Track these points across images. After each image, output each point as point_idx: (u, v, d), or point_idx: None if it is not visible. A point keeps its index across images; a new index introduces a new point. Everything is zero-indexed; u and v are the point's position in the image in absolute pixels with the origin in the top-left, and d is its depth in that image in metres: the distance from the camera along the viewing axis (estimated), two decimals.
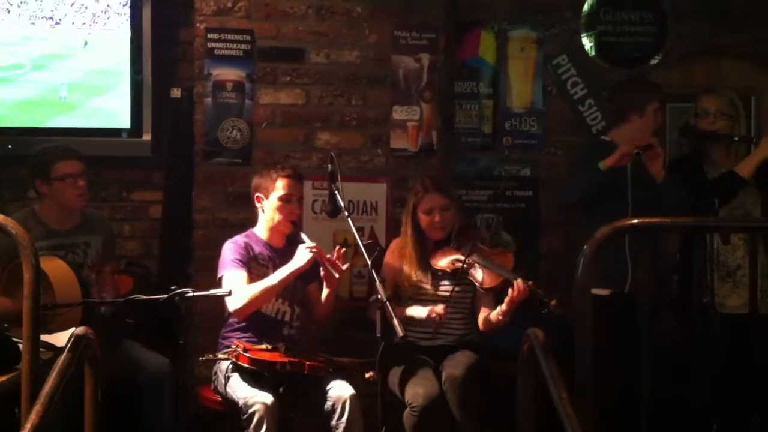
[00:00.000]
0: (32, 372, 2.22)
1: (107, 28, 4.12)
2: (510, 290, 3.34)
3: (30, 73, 4.16)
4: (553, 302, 3.22)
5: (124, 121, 4.05)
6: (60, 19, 4.15)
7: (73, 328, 2.80)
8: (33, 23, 4.13)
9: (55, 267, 3.14)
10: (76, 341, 2.31)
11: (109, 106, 4.08)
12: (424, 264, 3.56)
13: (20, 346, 2.64)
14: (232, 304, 3.32)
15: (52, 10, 4.13)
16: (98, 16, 4.14)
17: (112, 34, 4.11)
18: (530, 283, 3.33)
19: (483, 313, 3.54)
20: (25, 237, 2.22)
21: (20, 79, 4.17)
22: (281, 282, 3.35)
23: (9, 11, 4.11)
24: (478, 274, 3.47)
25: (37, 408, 2.06)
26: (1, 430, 2.75)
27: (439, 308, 3.40)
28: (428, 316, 3.40)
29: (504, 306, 3.38)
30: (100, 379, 2.52)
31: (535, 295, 3.31)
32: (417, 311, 3.46)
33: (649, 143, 3.54)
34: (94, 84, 4.15)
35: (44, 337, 2.66)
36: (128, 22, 4.08)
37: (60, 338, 2.93)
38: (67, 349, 2.27)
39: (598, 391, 2.35)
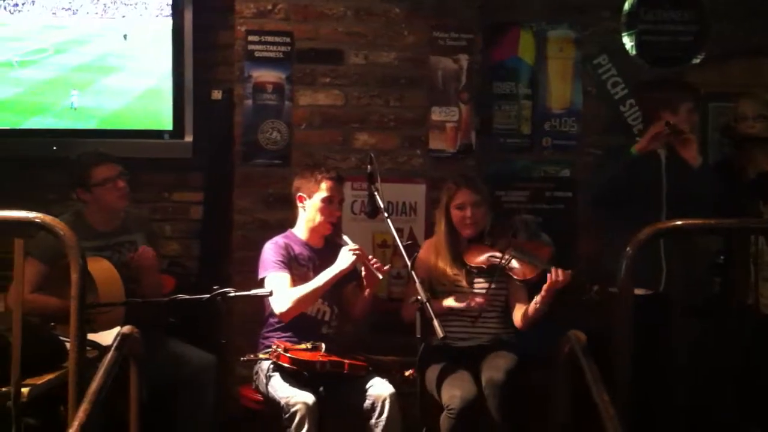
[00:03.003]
0: (79, 370, 2.26)
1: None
2: (549, 276, 3.34)
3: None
4: (595, 288, 3.21)
5: (166, 122, 4.09)
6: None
7: (118, 327, 2.86)
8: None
9: (100, 267, 3.20)
10: (122, 340, 2.35)
11: (151, 108, 4.12)
12: (458, 261, 3.57)
13: (66, 344, 2.71)
14: (278, 306, 3.35)
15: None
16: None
17: (154, 37, 4.16)
18: (569, 271, 3.32)
19: (519, 310, 3.54)
20: (72, 239, 2.26)
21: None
22: (326, 284, 3.37)
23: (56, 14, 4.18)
24: (516, 266, 3.48)
25: (85, 406, 2.10)
26: (47, 426, 2.80)
27: (479, 298, 3.43)
28: (467, 304, 3.43)
29: (542, 293, 3.37)
30: (145, 377, 2.57)
31: (575, 282, 3.30)
32: (454, 302, 3.48)
33: (679, 129, 3.53)
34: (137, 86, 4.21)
35: (89, 336, 2.70)
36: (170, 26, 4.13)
37: (104, 337, 2.98)
38: (113, 348, 2.32)
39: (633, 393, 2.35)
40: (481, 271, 3.56)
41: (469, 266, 3.56)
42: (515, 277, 3.50)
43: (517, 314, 3.56)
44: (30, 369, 2.46)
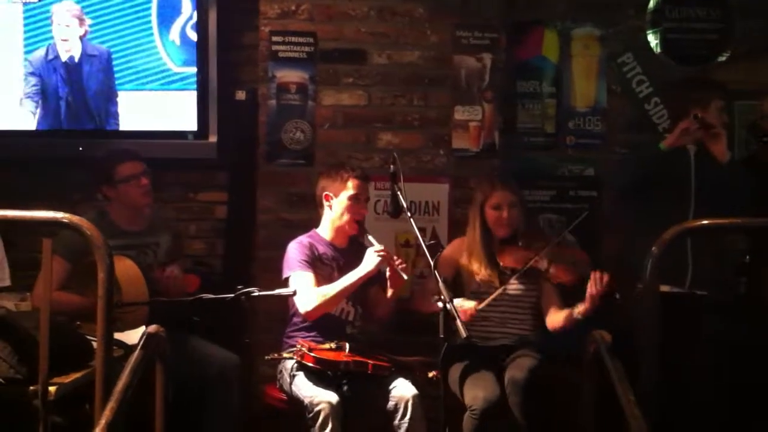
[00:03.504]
0: (106, 369, 2.28)
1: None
2: (591, 283, 3.31)
3: None
4: (635, 294, 3.18)
5: (190, 123, 4.12)
6: None
7: (143, 327, 2.88)
8: None
9: (124, 266, 3.22)
10: (148, 339, 2.37)
11: (176, 108, 4.14)
12: (492, 262, 3.55)
13: (93, 343, 2.73)
14: (304, 306, 3.36)
15: None
16: None
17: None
18: (608, 275, 3.31)
19: (553, 314, 3.52)
20: (99, 238, 2.28)
21: None
22: (352, 285, 3.38)
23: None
24: (552, 269, 3.46)
25: (111, 404, 2.12)
26: (72, 425, 2.82)
27: (469, 305, 3.37)
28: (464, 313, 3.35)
29: (586, 303, 3.33)
30: (170, 377, 2.58)
31: (613, 290, 3.29)
32: (466, 304, 3.42)
33: (708, 122, 3.50)
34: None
35: (114, 335, 2.72)
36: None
37: (129, 336, 3.00)
38: (139, 347, 2.33)
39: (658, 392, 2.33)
40: (515, 272, 3.54)
41: (503, 267, 3.55)
42: (552, 280, 3.48)
43: (552, 318, 3.53)
44: (57, 368, 2.48)
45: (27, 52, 4.17)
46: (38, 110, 4.17)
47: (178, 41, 4.11)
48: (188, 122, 4.11)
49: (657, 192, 3.53)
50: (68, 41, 4.14)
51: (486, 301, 3.44)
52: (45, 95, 4.16)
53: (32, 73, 4.16)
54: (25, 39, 4.18)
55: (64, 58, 4.15)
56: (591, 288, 3.31)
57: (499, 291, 3.46)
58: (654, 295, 2.36)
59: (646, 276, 2.32)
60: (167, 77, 4.13)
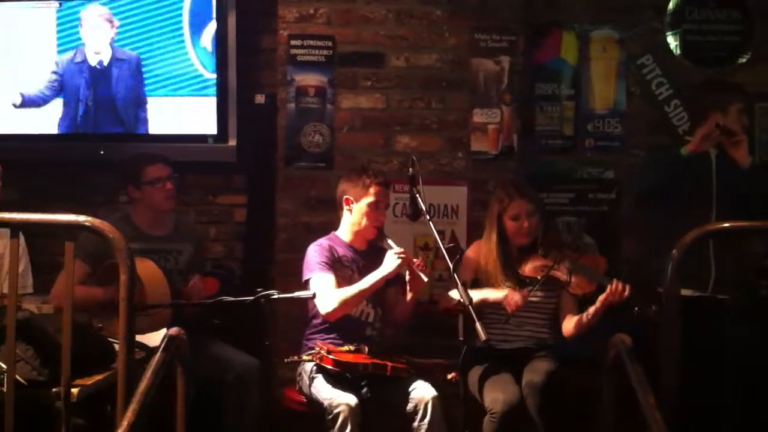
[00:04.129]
0: (128, 371, 2.30)
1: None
2: (609, 287, 3.32)
3: None
4: (653, 309, 3.16)
5: (210, 127, 4.14)
6: None
7: (164, 329, 2.90)
8: None
9: (147, 268, 3.24)
10: (170, 341, 2.39)
11: (196, 112, 4.17)
12: (510, 271, 3.55)
13: (114, 345, 2.75)
14: (324, 307, 3.36)
15: None
16: None
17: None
18: (628, 287, 3.30)
19: (569, 320, 3.52)
20: (121, 240, 2.30)
21: None
22: (372, 287, 3.39)
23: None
24: (571, 279, 3.45)
25: (134, 406, 2.14)
26: (94, 427, 2.84)
27: (517, 297, 3.39)
28: (505, 299, 3.40)
29: (597, 304, 3.35)
30: (191, 379, 2.60)
31: (631, 300, 3.28)
32: (492, 293, 3.45)
33: (730, 129, 3.48)
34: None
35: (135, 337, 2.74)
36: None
37: (150, 338, 3.02)
38: (161, 349, 2.35)
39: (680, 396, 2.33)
40: (533, 281, 3.53)
41: (523, 276, 3.54)
42: (571, 290, 3.47)
43: (567, 324, 3.53)
44: (79, 370, 2.50)
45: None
46: (53, 111, 4.21)
47: (209, 47, 4.14)
48: (208, 126, 4.13)
49: (678, 196, 3.51)
50: (98, 45, 4.18)
51: (534, 289, 3.43)
52: (65, 97, 4.19)
53: (54, 72, 4.20)
54: (58, 43, 4.23)
55: (93, 62, 4.18)
56: (608, 296, 3.32)
57: (544, 275, 3.45)
58: (675, 299, 2.35)
59: (667, 279, 2.31)
60: (200, 83, 4.15)
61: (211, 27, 4.11)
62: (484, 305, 3.45)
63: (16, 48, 4.24)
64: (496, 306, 3.47)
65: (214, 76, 4.11)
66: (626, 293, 3.30)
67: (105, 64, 4.19)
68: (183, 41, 4.15)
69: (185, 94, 4.16)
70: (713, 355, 3.44)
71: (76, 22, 4.20)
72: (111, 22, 4.17)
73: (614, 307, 3.35)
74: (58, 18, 4.21)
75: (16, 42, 4.24)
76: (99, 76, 4.18)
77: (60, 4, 4.21)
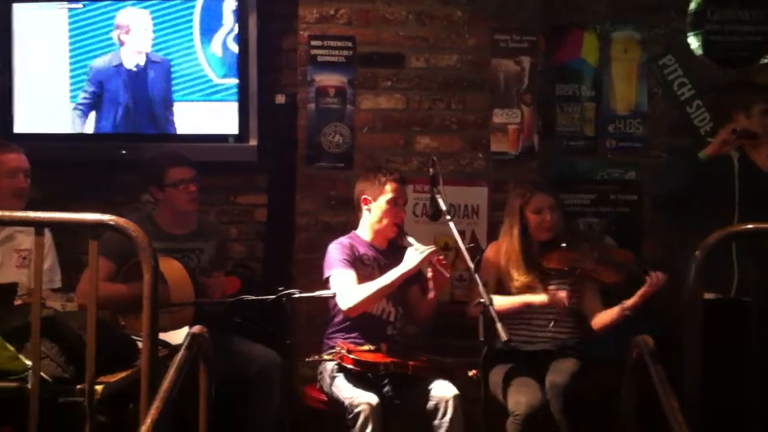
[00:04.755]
0: (151, 368, 2.31)
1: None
2: (648, 279, 3.34)
3: None
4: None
5: (231, 127, 4.16)
6: None
7: (186, 327, 2.91)
8: None
9: (171, 267, 3.26)
10: (193, 339, 2.40)
11: (217, 112, 4.19)
12: (531, 265, 3.55)
13: (137, 342, 2.77)
14: (345, 303, 3.36)
15: None
16: None
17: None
18: (665, 275, 3.33)
19: (596, 315, 3.53)
20: (144, 240, 2.32)
21: None
22: (393, 283, 3.39)
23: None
24: (598, 270, 3.45)
25: (157, 403, 2.15)
26: (117, 424, 2.86)
27: (562, 294, 3.44)
28: (552, 301, 3.44)
29: (636, 298, 3.38)
30: (213, 377, 2.61)
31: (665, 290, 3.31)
32: (535, 297, 3.48)
33: (752, 132, 3.46)
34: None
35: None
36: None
37: (173, 336, 3.04)
38: (184, 347, 2.36)
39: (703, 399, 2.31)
40: (560, 274, 3.53)
41: (547, 268, 3.55)
42: (600, 279, 3.48)
43: (599, 318, 3.54)
44: (103, 367, 2.52)
45: (80, 57, 4.27)
46: (91, 115, 4.26)
47: (219, 53, 4.16)
48: (229, 126, 4.16)
49: (700, 199, 3.50)
50: (138, 48, 4.23)
51: (573, 285, 3.49)
52: (101, 101, 4.24)
53: (92, 80, 4.25)
54: (80, 44, 4.28)
55: (130, 65, 4.22)
56: (648, 287, 3.34)
57: (580, 272, 3.49)
58: (698, 301, 2.34)
59: (690, 281, 2.30)
60: (209, 88, 4.19)
61: (222, 32, 4.15)
62: (528, 309, 3.50)
63: (44, 49, 4.30)
64: (543, 308, 3.50)
65: (224, 81, 4.14)
66: (663, 281, 3.32)
67: (141, 66, 4.23)
68: (193, 46, 4.20)
69: (194, 99, 4.21)
70: (736, 358, 3.42)
71: (101, 24, 4.25)
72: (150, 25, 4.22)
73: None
74: (82, 19, 4.26)
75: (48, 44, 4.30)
76: (135, 78, 4.23)
77: (83, 5, 4.26)
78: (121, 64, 4.23)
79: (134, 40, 4.23)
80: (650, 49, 4.30)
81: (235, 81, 4.14)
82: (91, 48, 4.26)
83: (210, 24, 4.18)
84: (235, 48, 4.15)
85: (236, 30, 4.14)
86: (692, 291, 2.32)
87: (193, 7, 4.18)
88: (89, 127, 4.27)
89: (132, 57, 4.22)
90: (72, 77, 4.27)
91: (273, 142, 4.23)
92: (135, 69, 4.23)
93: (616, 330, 3.50)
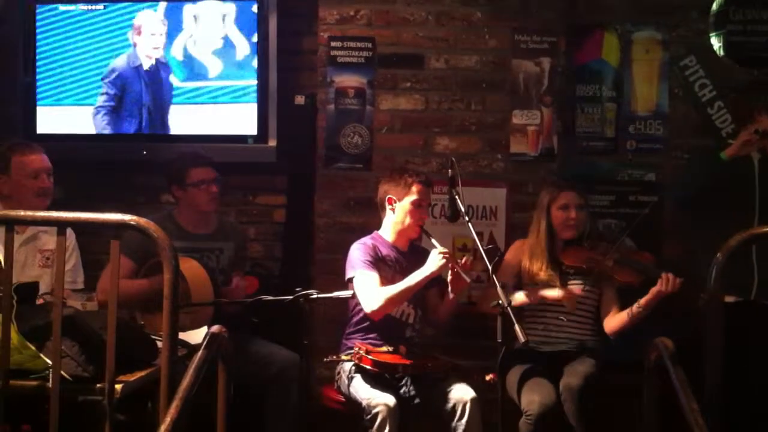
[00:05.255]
0: (171, 368, 2.33)
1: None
2: (660, 281, 3.33)
3: None
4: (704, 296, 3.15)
5: (250, 127, 4.18)
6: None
7: (205, 327, 2.93)
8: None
9: (190, 267, 3.28)
10: (212, 339, 2.41)
11: (236, 113, 4.21)
12: (554, 263, 3.55)
13: (156, 342, 2.79)
14: (369, 305, 3.37)
15: None
16: None
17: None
18: (680, 279, 3.29)
19: (612, 317, 3.51)
20: (165, 240, 2.33)
21: None
22: (416, 285, 3.39)
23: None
24: (616, 269, 3.44)
25: (176, 403, 2.17)
26: (135, 424, 2.88)
27: (576, 291, 3.43)
28: (564, 296, 3.44)
29: (648, 296, 3.36)
30: (232, 376, 2.62)
31: (684, 291, 3.28)
32: (549, 291, 3.49)
33: None
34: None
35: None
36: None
37: (192, 336, 3.06)
38: (203, 347, 2.37)
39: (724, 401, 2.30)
40: (579, 272, 3.53)
41: (566, 266, 3.54)
42: (617, 278, 3.47)
43: (610, 322, 3.52)
44: (122, 366, 2.53)
45: (101, 59, 4.31)
46: (112, 115, 4.30)
47: (180, 57, 4.24)
48: (248, 126, 4.17)
49: (720, 199, 3.47)
50: (151, 49, 4.27)
51: (587, 287, 3.47)
52: (122, 101, 4.27)
53: (114, 81, 4.27)
54: (100, 45, 4.31)
55: (146, 65, 4.26)
56: (660, 286, 3.32)
57: (585, 288, 3.49)
58: (718, 303, 2.33)
59: (711, 283, 2.28)
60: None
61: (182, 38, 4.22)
62: (541, 302, 3.52)
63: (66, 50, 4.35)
64: (555, 303, 3.51)
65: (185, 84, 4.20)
66: (677, 285, 3.29)
67: (154, 67, 4.26)
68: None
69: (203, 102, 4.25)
70: (758, 361, 3.39)
71: (122, 24, 4.28)
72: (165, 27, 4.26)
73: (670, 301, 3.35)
74: (102, 20, 4.30)
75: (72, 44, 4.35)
76: (152, 78, 4.26)
77: (104, 6, 4.29)
78: (140, 66, 4.26)
79: (145, 42, 4.25)
80: (672, 49, 4.26)
81: (240, 82, 4.17)
82: (112, 49, 4.29)
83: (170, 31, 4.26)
84: (196, 54, 4.21)
85: (195, 35, 4.21)
86: (713, 293, 2.31)
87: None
88: (111, 127, 4.30)
89: (145, 59, 4.26)
90: (93, 78, 4.30)
91: (292, 143, 4.24)
92: (150, 70, 4.26)
93: (632, 332, 3.48)
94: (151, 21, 4.25)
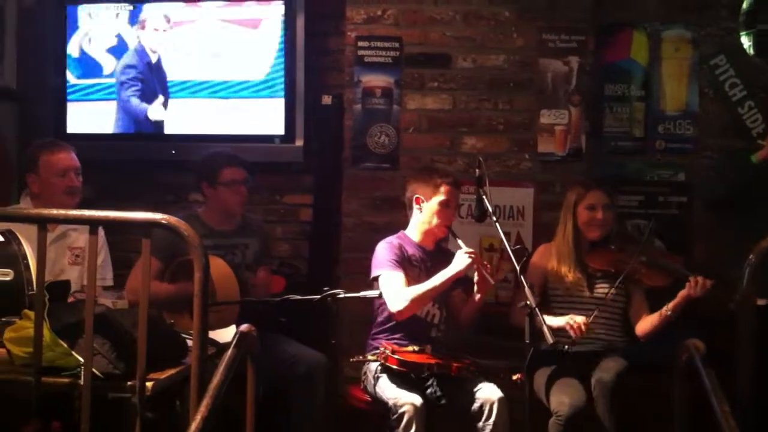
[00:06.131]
0: (201, 366, 2.34)
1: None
2: (688, 284, 3.30)
3: None
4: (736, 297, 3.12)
5: (277, 127, 4.19)
6: None
7: (233, 326, 2.94)
8: None
9: (217, 267, 3.29)
10: (241, 338, 2.43)
11: (264, 113, 4.23)
12: (581, 265, 3.53)
13: (186, 340, 2.81)
14: (394, 305, 3.37)
15: None
16: None
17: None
18: (710, 281, 3.26)
19: (641, 320, 3.49)
20: (195, 239, 2.35)
21: None
22: (442, 285, 3.38)
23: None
24: (645, 272, 3.42)
25: (206, 401, 2.18)
26: (164, 421, 2.90)
27: (579, 319, 3.36)
28: (568, 325, 3.36)
29: (677, 299, 3.33)
30: (260, 375, 2.64)
31: (713, 294, 3.25)
32: (553, 320, 3.37)
33: None
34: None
35: None
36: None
37: (219, 335, 3.07)
38: (233, 345, 2.39)
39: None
40: (606, 275, 3.50)
41: (593, 269, 3.52)
42: (645, 282, 3.44)
43: (643, 324, 3.50)
44: (152, 364, 2.55)
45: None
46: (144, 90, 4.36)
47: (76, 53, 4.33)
48: (276, 126, 4.19)
49: (750, 201, 3.44)
50: (156, 44, 4.32)
51: (592, 316, 3.42)
52: (146, 97, 4.33)
53: (135, 78, 4.32)
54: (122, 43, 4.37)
55: (154, 61, 4.30)
56: (689, 290, 3.29)
57: (610, 292, 3.46)
58: (751, 305, 2.31)
59: (744, 285, 2.27)
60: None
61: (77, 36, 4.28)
62: (569, 303, 3.51)
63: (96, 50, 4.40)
64: (582, 305, 3.49)
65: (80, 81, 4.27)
66: (708, 286, 3.26)
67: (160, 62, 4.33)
68: None
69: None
70: None
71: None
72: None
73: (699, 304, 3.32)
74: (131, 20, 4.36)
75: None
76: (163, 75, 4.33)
77: (134, 6, 4.34)
78: (150, 62, 4.33)
79: (148, 37, 4.31)
80: (702, 48, 4.23)
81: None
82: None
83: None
84: (91, 52, 4.28)
85: (89, 33, 4.28)
86: (745, 296, 2.29)
87: None
88: (141, 100, 4.35)
89: (151, 53, 4.32)
90: (121, 78, 4.34)
91: (319, 143, 4.25)
92: (157, 64, 4.33)
93: (661, 334, 3.45)
94: (159, 17, 4.33)
